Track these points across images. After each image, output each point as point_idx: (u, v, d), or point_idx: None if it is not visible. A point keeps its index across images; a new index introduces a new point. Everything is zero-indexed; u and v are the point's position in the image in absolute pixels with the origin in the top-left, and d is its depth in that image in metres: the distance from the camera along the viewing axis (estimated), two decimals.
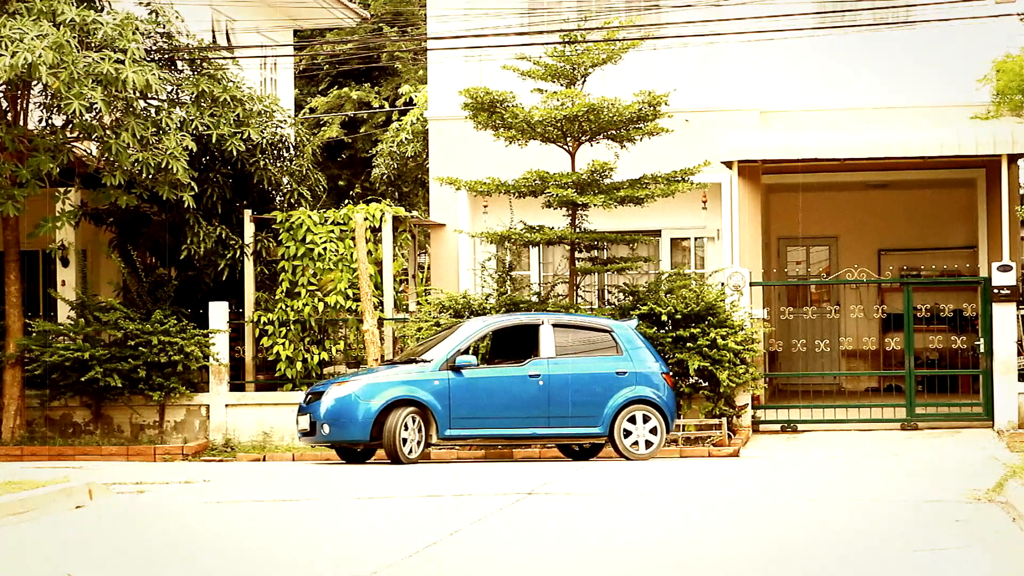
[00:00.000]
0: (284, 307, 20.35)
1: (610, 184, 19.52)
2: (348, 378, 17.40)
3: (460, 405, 16.91)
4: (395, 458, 16.56)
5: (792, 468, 16.13)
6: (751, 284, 19.95)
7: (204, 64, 20.80)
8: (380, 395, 16.72)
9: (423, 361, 17.11)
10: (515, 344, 17.68)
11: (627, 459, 17.08)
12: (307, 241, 20.46)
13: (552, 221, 20.31)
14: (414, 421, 16.71)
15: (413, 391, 16.78)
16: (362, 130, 35.22)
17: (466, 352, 17.09)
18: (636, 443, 17.17)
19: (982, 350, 20.00)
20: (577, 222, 19.81)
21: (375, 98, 34.62)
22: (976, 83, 20.71)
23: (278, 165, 21.52)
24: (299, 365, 20.20)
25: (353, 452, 17.59)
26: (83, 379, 19.51)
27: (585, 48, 19.62)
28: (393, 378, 16.95)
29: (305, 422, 17.17)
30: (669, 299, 19.18)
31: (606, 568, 9.18)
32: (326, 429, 16.88)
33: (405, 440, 16.60)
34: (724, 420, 18.70)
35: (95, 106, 18.08)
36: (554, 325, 17.50)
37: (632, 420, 17.22)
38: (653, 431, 17.24)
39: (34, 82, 18.41)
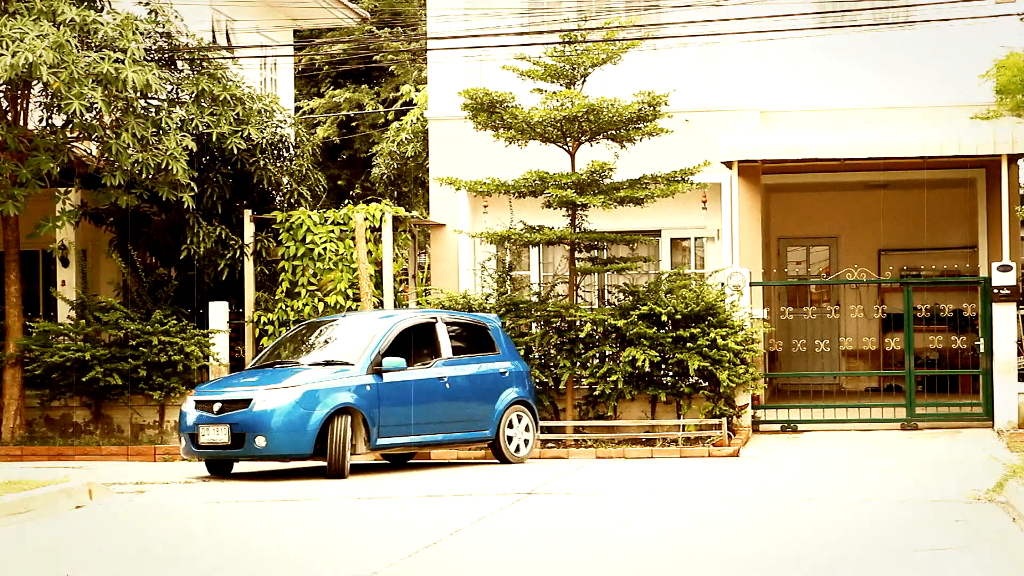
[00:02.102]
0: (284, 307, 20.34)
1: (610, 184, 19.51)
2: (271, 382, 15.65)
3: (387, 412, 15.71)
4: (339, 472, 15.08)
5: (792, 468, 16.14)
6: (751, 284, 19.94)
7: (204, 64, 20.80)
8: (324, 403, 15.17)
9: (343, 364, 15.72)
10: (410, 343, 16.51)
11: (509, 463, 16.72)
12: (307, 241, 20.45)
13: (552, 221, 20.31)
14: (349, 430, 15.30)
15: (351, 398, 15.37)
16: (359, 131, 35.17)
17: (388, 354, 15.87)
18: (516, 445, 16.95)
19: (982, 350, 19.99)
20: (577, 222, 19.80)
21: (371, 100, 34.57)
22: (978, 79, 20.66)
23: (278, 165, 21.51)
24: None
25: (220, 463, 15.97)
26: (83, 379, 19.51)
27: (585, 48, 19.61)
28: (328, 384, 15.38)
29: (221, 434, 15.32)
30: (669, 299, 19.19)
31: (606, 567, 9.19)
32: (260, 442, 15.08)
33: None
34: (724, 420, 18.69)
35: (95, 106, 18.07)
36: (446, 323, 16.95)
37: (511, 423, 16.94)
38: (527, 432, 17.10)
39: (34, 82, 18.41)
